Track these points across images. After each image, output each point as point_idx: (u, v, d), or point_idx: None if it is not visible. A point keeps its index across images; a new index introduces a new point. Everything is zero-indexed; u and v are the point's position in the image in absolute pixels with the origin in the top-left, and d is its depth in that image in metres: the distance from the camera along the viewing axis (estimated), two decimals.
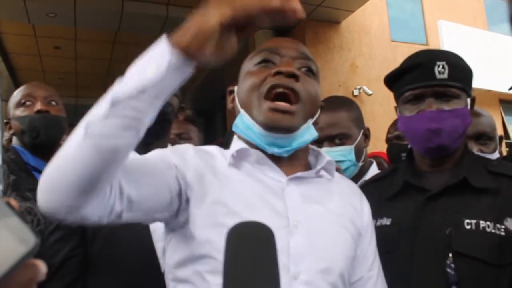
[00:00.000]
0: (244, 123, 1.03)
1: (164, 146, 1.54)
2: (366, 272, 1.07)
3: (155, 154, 0.97)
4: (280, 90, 0.97)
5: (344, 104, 1.78)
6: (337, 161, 1.64)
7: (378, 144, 4.40)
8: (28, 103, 1.75)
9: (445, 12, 8.74)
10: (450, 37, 8.20)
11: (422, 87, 1.26)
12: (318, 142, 1.69)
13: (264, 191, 0.99)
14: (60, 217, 0.79)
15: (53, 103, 1.81)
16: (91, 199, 0.77)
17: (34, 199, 1.56)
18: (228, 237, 0.55)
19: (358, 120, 1.75)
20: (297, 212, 0.97)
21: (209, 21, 0.74)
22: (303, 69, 1.03)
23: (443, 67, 1.24)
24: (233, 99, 1.10)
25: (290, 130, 0.99)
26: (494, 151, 1.97)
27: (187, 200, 0.94)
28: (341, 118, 1.68)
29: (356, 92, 7.15)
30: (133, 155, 0.85)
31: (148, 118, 0.77)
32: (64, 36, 7.64)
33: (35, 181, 1.68)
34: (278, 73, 0.98)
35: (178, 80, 0.77)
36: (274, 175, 1.01)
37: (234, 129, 1.06)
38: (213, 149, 1.07)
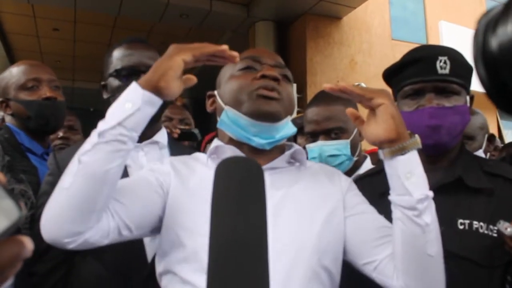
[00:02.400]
0: (230, 118, 1.12)
1: (159, 127, 1.54)
2: (376, 233, 1.08)
3: (138, 176, 1.11)
4: (266, 92, 1.10)
5: (340, 97, 1.77)
6: (332, 155, 1.64)
7: None
8: (34, 87, 1.73)
9: (446, 13, 8.73)
10: (450, 38, 8.20)
11: (423, 81, 1.25)
12: (314, 136, 1.69)
13: None
14: (63, 245, 0.93)
15: (57, 88, 1.80)
16: (91, 225, 0.93)
17: (27, 181, 1.56)
18: (216, 170, 0.56)
19: None
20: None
21: (175, 60, 0.98)
22: (280, 76, 1.15)
23: (445, 62, 1.23)
24: (213, 103, 1.22)
25: (276, 116, 1.10)
26: (475, 150, 1.98)
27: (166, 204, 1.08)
28: (337, 112, 1.67)
29: None
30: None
31: (132, 143, 0.96)
32: (63, 18, 7.57)
33: (29, 163, 1.68)
34: (263, 76, 1.11)
35: (150, 112, 0.98)
36: None
37: (219, 125, 1.15)
38: (197, 154, 1.22)
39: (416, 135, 1.00)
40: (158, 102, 0.98)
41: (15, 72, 1.75)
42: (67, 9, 6.97)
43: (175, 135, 2.10)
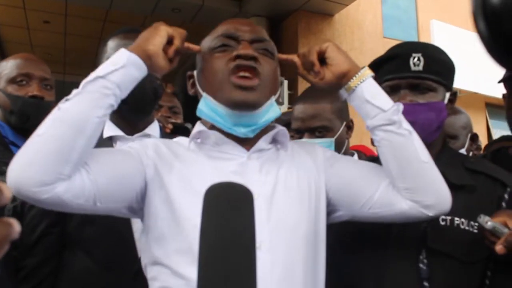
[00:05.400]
0: (208, 106, 1.07)
1: (151, 120, 1.53)
2: (355, 177, 1.12)
3: (120, 148, 1.08)
4: (242, 74, 1.04)
5: (327, 95, 1.75)
6: None
7: (364, 138, 4.41)
8: (23, 82, 1.71)
9: (438, 12, 8.77)
10: (441, 37, 8.24)
11: (397, 78, 1.26)
12: (299, 133, 1.70)
13: (222, 170, 1.03)
14: (31, 195, 0.86)
15: (48, 87, 1.77)
16: (62, 176, 0.87)
17: None
18: (205, 196, 0.57)
19: (341, 112, 1.74)
20: (256, 185, 0.99)
21: (161, 29, 1.02)
22: (260, 51, 1.09)
23: (418, 59, 1.24)
24: (193, 84, 1.16)
25: (254, 105, 1.04)
26: (458, 150, 2.00)
27: (147, 189, 1.03)
28: (323, 110, 1.67)
29: None
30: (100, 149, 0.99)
31: (114, 100, 0.95)
32: (54, 11, 7.49)
33: (12, 155, 1.67)
34: (238, 56, 1.05)
35: (136, 75, 0.98)
36: (235, 152, 1.07)
37: (198, 113, 1.09)
38: (181, 139, 1.15)
39: (366, 66, 1.11)
40: (143, 67, 0.98)
41: (9, 64, 1.74)
42: (58, 2, 6.90)
43: (168, 130, 2.10)
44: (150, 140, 1.12)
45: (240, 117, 1.04)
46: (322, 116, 1.67)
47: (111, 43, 1.48)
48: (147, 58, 0.98)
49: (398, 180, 1.04)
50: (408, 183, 1.03)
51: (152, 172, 1.02)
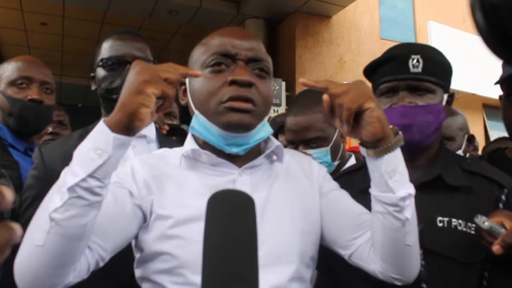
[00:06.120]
0: (201, 125, 1.05)
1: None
2: (353, 220, 1.10)
3: (110, 198, 0.97)
4: (236, 105, 1.01)
5: (318, 104, 1.75)
6: None
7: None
8: (23, 85, 1.70)
9: (435, 13, 8.80)
10: (439, 38, 8.27)
11: (396, 80, 1.26)
12: (294, 144, 1.69)
13: (213, 187, 0.99)
14: None
15: (48, 90, 1.77)
16: (69, 276, 0.87)
17: (8, 176, 1.54)
18: (208, 204, 0.57)
19: None
20: None
21: (146, 95, 0.85)
22: (256, 71, 1.06)
23: (417, 61, 1.24)
24: (185, 92, 1.12)
25: (248, 128, 1.03)
26: (455, 151, 2.01)
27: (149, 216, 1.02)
28: (315, 121, 1.66)
29: None
30: None
31: (104, 192, 0.86)
32: (52, 13, 7.50)
33: (11, 158, 1.66)
34: (233, 82, 1.01)
35: (122, 154, 0.87)
36: (226, 169, 1.06)
37: (191, 130, 1.07)
38: (164, 151, 1.14)
39: (400, 132, 1.01)
40: (129, 142, 0.88)
41: (11, 66, 1.74)
42: (55, 4, 6.90)
43: (164, 131, 2.10)
44: (136, 164, 1.07)
45: (233, 138, 1.03)
46: (315, 127, 1.66)
47: (105, 45, 1.49)
48: (133, 132, 0.88)
49: (377, 251, 1.04)
50: (386, 258, 1.02)
51: (147, 205, 1.02)
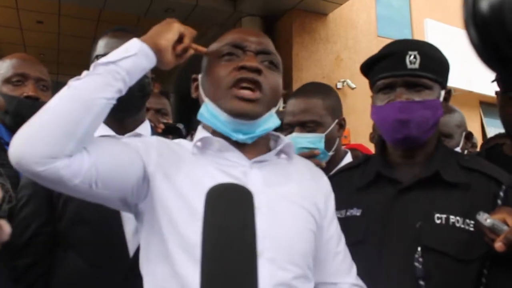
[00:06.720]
0: (210, 112, 1.09)
1: (142, 120, 1.53)
2: (333, 250, 1.14)
3: (123, 139, 1.07)
4: (245, 84, 1.05)
5: (320, 91, 1.77)
6: (305, 148, 1.65)
7: (357, 138, 4.43)
8: (19, 82, 1.70)
9: (432, 11, 8.80)
10: (435, 36, 8.27)
11: (393, 76, 1.26)
12: (291, 127, 1.71)
13: (225, 177, 1.04)
14: (31, 167, 0.88)
15: (44, 87, 1.76)
16: (66, 152, 0.88)
17: (6, 174, 1.53)
18: (207, 196, 0.57)
19: (334, 109, 1.74)
20: (258, 195, 0.98)
21: (174, 26, 1.05)
22: (265, 63, 1.11)
23: (414, 57, 1.24)
24: (197, 87, 1.17)
25: (254, 116, 1.06)
26: (452, 148, 2.01)
27: (148, 185, 1.02)
28: (314, 105, 1.69)
29: (339, 85, 7.16)
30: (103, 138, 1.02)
31: (123, 85, 0.97)
32: (47, 11, 7.46)
33: (7, 156, 1.66)
34: (243, 67, 1.06)
35: (145, 65, 1.00)
36: (237, 160, 1.08)
37: (199, 117, 1.11)
38: (181, 141, 1.16)
39: None
40: (153, 58, 1.01)
41: (5, 64, 1.73)
42: (51, 2, 6.86)
43: (159, 130, 2.08)
44: (153, 138, 1.12)
45: (239, 125, 1.06)
46: (313, 110, 1.68)
47: (101, 42, 1.49)
48: (157, 51, 1.01)
49: None
50: None
51: (154, 169, 1.02)
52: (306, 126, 1.68)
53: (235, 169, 1.06)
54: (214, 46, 1.15)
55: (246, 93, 1.05)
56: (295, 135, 1.67)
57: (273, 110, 1.12)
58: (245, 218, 0.57)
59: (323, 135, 1.67)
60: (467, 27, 0.55)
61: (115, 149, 1.00)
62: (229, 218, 0.57)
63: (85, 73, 0.96)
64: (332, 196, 1.20)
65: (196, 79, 1.18)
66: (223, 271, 0.53)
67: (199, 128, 1.16)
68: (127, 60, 0.97)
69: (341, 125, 1.77)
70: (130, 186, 1.00)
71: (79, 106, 0.91)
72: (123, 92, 0.98)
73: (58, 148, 0.88)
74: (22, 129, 0.90)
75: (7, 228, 0.42)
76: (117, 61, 0.96)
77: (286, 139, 1.15)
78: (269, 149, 1.15)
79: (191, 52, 1.10)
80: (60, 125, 0.89)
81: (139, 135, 1.47)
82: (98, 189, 0.95)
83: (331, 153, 1.72)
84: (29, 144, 0.88)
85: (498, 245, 1.01)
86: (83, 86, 0.93)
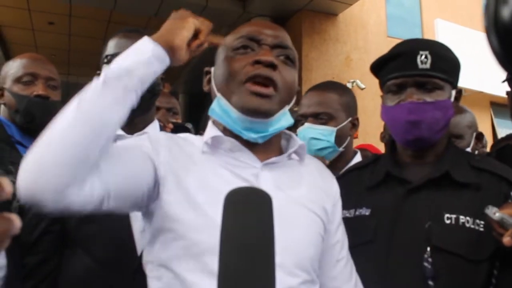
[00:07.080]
0: (221, 108, 1.04)
1: (151, 119, 1.53)
2: (336, 255, 1.12)
3: (130, 142, 1.02)
4: (259, 80, 1.00)
5: (337, 88, 1.82)
6: (315, 138, 1.67)
7: (367, 138, 4.41)
8: (29, 82, 1.71)
9: (442, 11, 8.74)
10: (446, 36, 8.21)
11: (404, 76, 1.24)
12: (305, 118, 1.73)
13: (236, 179, 1.00)
14: (43, 203, 0.81)
15: (54, 86, 1.78)
16: (78, 183, 0.82)
17: (16, 173, 1.55)
18: (226, 201, 0.57)
19: (349, 106, 1.77)
20: None
21: (188, 22, 0.98)
22: (281, 57, 1.06)
23: (425, 57, 1.22)
24: (209, 81, 1.12)
25: (267, 114, 1.01)
26: (463, 149, 1.99)
27: (159, 188, 0.98)
28: (330, 99, 1.73)
29: (349, 86, 7.13)
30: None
31: (135, 97, 0.90)
32: (59, 12, 7.52)
33: (18, 155, 1.68)
34: (257, 62, 1.01)
35: (157, 69, 0.93)
36: (248, 161, 1.04)
37: (210, 113, 1.07)
38: (188, 135, 1.12)
39: None
40: (166, 60, 0.94)
41: (16, 64, 1.76)
42: (62, 3, 6.92)
43: (168, 130, 2.09)
44: (161, 134, 1.07)
45: (251, 123, 1.02)
46: (327, 103, 1.72)
47: (111, 42, 1.50)
48: (170, 51, 0.94)
49: None
50: None
51: (164, 171, 0.98)
52: (319, 118, 1.71)
53: (246, 170, 1.02)
54: (229, 38, 1.10)
55: (260, 89, 1.00)
56: (307, 125, 1.71)
57: (287, 108, 1.07)
58: (265, 225, 0.56)
59: (334, 128, 1.70)
60: (488, 34, 0.55)
61: (125, 160, 0.94)
62: (250, 225, 0.56)
63: (95, 86, 0.87)
64: (339, 202, 1.17)
65: (208, 72, 1.14)
66: (242, 280, 0.53)
67: (210, 124, 1.12)
68: (140, 68, 0.90)
69: (354, 124, 1.79)
70: (141, 194, 0.96)
71: (92, 133, 0.83)
72: (135, 104, 0.91)
73: (72, 180, 0.82)
74: (32, 162, 0.83)
75: (17, 222, 0.43)
76: (130, 72, 0.88)
77: (299, 140, 1.11)
78: (280, 149, 1.12)
79: (206, 45, 1.03)
80: (73, 157, 0.81)
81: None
82: (109, 205, 0.90)
83: (341, 149, 1.73)
84: (39, 180, 0.81)
85: (507, 239, 1.00)
86: (95, 108, 0.85)
